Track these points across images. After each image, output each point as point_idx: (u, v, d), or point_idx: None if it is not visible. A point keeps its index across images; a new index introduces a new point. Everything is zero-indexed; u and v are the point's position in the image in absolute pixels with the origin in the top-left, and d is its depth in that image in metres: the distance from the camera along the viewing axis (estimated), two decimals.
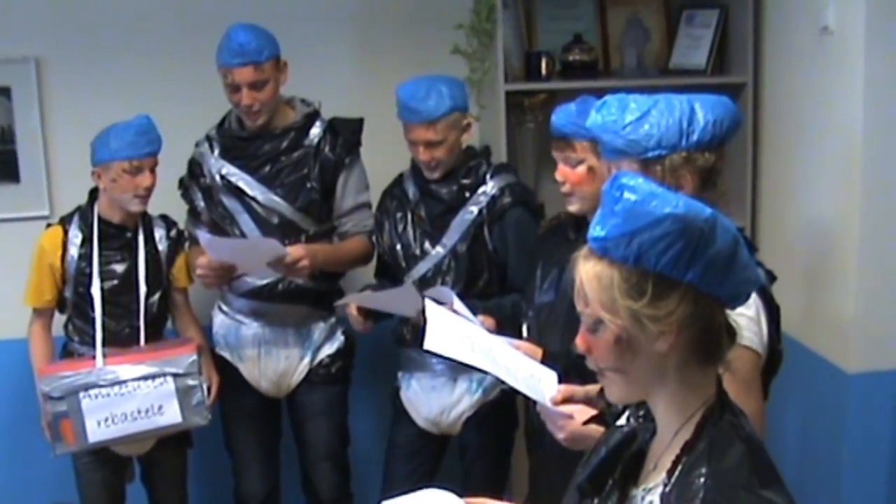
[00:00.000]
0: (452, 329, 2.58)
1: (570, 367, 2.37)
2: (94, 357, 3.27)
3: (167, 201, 3.48)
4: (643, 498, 1.61)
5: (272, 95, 3.34)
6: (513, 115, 3.83)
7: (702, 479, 1.49)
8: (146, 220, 3.41)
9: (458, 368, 3.14)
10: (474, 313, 2.76)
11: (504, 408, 3.38)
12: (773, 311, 2.28)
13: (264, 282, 3.43)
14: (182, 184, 3.55)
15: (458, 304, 2.72)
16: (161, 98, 3.67)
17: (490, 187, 3.24)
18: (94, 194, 3.36)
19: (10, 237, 3.74)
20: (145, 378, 3.25)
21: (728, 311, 1.60)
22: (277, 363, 3.52)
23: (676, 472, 1.54)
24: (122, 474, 3.47)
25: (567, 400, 2.29)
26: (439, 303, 2.70)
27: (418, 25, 3.90)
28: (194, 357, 3.31)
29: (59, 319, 3.43)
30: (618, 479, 1.67)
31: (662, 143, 2.20)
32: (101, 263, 3.30)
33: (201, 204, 3.51)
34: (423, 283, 3.19)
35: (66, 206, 3.51)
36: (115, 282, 3.31)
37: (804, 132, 3.42)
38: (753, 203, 3.78)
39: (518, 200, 3.23)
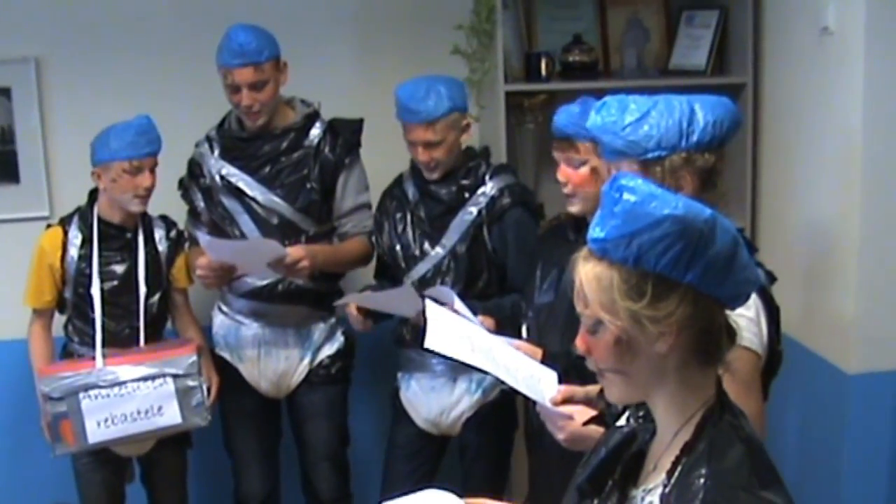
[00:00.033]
0: (453, 329, 2.58)
1: (569, 368, 2.37)
2: (93, 358, 3.27)
3: (167, 202, 3.48)
4: (643, 498, 1.61)
5: (272, 96, 3.34)
6: (512, 116, 3.83)
7: (701, 480, 1.49)
8: (146, 221, 3.41)
9: (457, 369, 3.14)
10: (474, 313, 2.77)
11: (504, 408, 3.38)
12: (772, 312, 2.28)
13: (264, 282, 3.43)
14: (182, 184, 3.55)
15: (458, 304, 2.72)
16: (161, 98, 3.67)
17: (489, 188, 3.24)
18: (93, 195, 3.36)
19: (10, 238, 3.74)
20: (145, 379, 3.25)
21: (728, 312, 1.60)
22: (277, 364, 3.52)
23: (676, 473, 1.54)
24: (121, 475, 3.47)
25: (567, 400, 2.29)
26: (440, 303, 2.70)
27: (418, 26, 3.90)
28: (194, 358, 3.31)
29: (59, 320, 3.43)
30: (617, 479, 1.67)
31: (662, 144, 2.20)
32: (100, 264, 3.30)
33: (201, 204, 3.51)
34: (423, 284, 3.19)
35: (65, 206, 3.51)
36: (115, 282, 3.31)
37: (804, 133, 3.42)
38: (753, 203, 3.78)
39: (517, 201, 3.23)
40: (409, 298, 3.02)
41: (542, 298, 2.85)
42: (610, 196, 1.54)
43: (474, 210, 3.23)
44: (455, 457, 3.47)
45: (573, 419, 2.25)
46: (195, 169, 3.50)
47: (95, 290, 3.28)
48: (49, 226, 3.40)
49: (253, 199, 3.41)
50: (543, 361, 2.51)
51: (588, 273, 1.56)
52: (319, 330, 3.54)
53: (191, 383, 3.30)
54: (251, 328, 3.51)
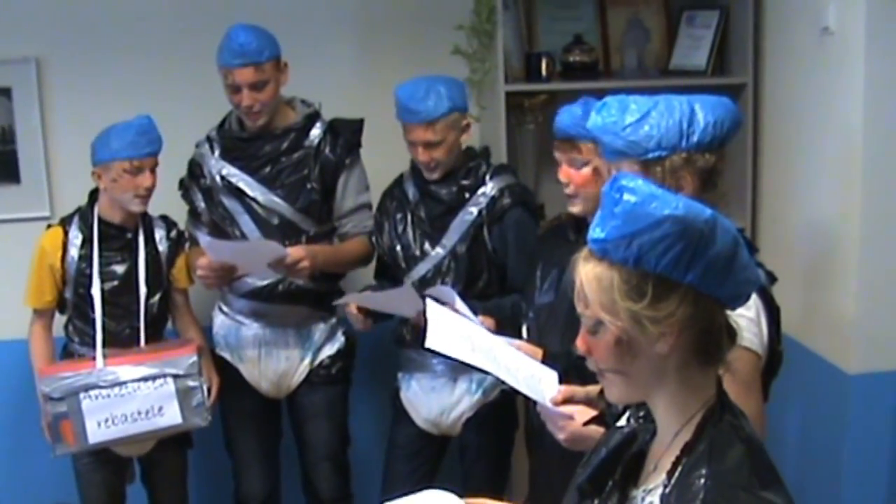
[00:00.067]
0: (453, 328, 2.58)
1: (570, 368, 2.37)
2: (94, 358, 3.27)
3: (167, 202, 3.48)
4: (643, 499, 1.61)
5: (272, 96, 3.34)
6: (513, 116, 3.83)
7: (702, 480, 1.49)
8: (146, 221, 3.41)
9: (457, 369, 3.14)
10: (475, 313, 2.77)
11: (504, 408, 3.38)
12: (773, 312, 2.28)
13: (264, 283, 3.43)
14: (182, 184, 3.55)
15: (459, 304, 2.72)
16: (161, 99, 3.67)
17: (490, 188, 3.24)
18: (94, 195, 3.36)
19: (11, 238, 3.74)
20: (145, 379, 3.25)
21: (728, 312, 1.60)
22: (278, 364, 3.52)
23: (676, 473, 1.54)
24: (122, 475, 3.47)
25: (567, 400, 2.29)
26: (441, 302, 2.70)
27: (419, 26, 3.90)
28: (194, 358, 3.31)
29: (60, 320, 3.43)
30: (618, 479, 1.67)
31: (662, 145, 2.20)
32: (101, 264, 3.30)
33: (201, 205, 3.51)
34: (423, 284, 3.19)
35: (66, 206, 3.51)
36: (116, 282, 3.31)
37: (804, 133, 3.42)
38: (754, 204, 3.78)
39: (517, 201, 3.23)
40: (409, 298, 3.02)
41: (543, 299, 2.86)
42: (610, 196, 1.54)
43: (474, 210, 3.23)
44: (455, 457, 3.48)
45: (573, 419, 2.25)
46: (195, 169, 3.51)
47: (96, 291, 3.28)
48: (49, 226, 3.40)
49: (253, 199, 3.41)
50: (544, 362, 2.51)
51: (588, 273, 1.56)
52: (320, 330, 3.54)
53: (191, 384, 3.30)
54: (251, 328, 3.51)
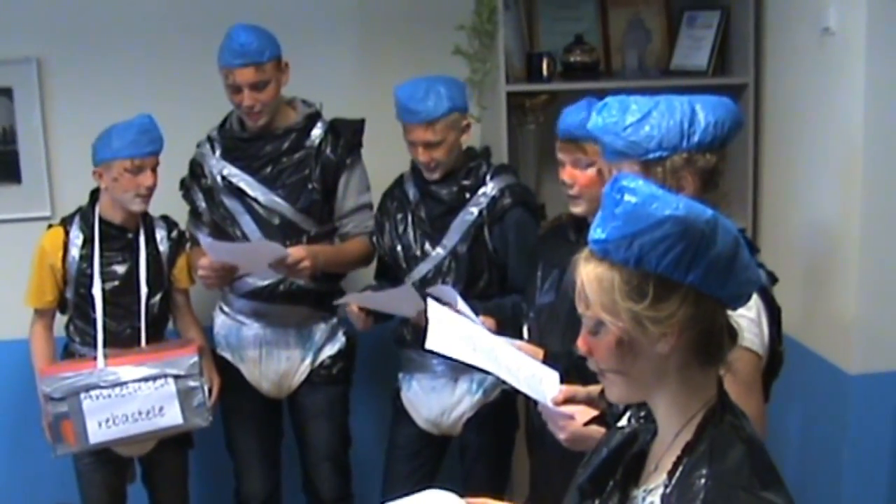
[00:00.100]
0: (454, 329, 2.58)
1: (571, 368, 2.37)
2: (95, 358, 3.27)
3: (168, 202, 3.48)
4: (644, 499, 1.61)
5: (273, 96, 3.34)
6: (514, 116, 3.83)
7: (702, 480, 1.50)
8: (147, 221, 3.41)
9: (458, 369, 3.14)
10: (476, 314, 2.77)
11: (504, 408, 3.38)
12: (774, 313, 2.28)
13: (265, 283, 3.43)
14: (183, 184, 3.55)
15: (461, 304, 2.72)
16: (162, 99, 3.67)
17: (490, 188, 3.24)
18: (95, 195, 3.36)
19: (12, 237, 3.74)
20: (146, 379, 3.25)
21: (729, 313, 1.60)
22: (279, 364, 3.52)
23: (677, 473, 1.54)
24: (123, 475, 3.47)
25: (569, 400, 2.29)
26: (442, 302, 2.70)
27: (419, 26, 3.90)
28: (195, 358, 3.31)
29: (60, 320, 3.43)
30: (619, 479, 1.67)
31: (663, 145, 2.20)
32: (102, 264, 3.30)
33: (202, 205, 3.51)
34: (424, 284, 3.19)
35: (67, 206, 3.51)
36: (116, 282, 3.31)
37: (805, 133, 3.42)
38: (755, 204, 3.78)
39: (518, 201, 3.23)
40: (409, 298, 3.02)
41: (543, 299, 2.86)
42: (611, 197, 1.54)
43: (475, 210, 3.23)
44: (456, 457, 3.48)
45: (574, 419, 2.25)
46: (196, 169, 3.51)
47: (97, 291, 3.29)
48: (50, 226, 3.40)
49: (254, 199, 3.41)
50: (545, 362, 2.51)
51: (589, 274, 1.56)
52: (321, 330, 3.54)
53: (192, 384, 3.30)
54: (252, 328, 3.51)
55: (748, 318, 2.13)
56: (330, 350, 3.56)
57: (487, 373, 2.55)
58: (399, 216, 3.35)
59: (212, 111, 3.49)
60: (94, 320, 3.29)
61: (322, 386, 3.55)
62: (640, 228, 1.50)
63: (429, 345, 2.49)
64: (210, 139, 3.49)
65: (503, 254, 3.24)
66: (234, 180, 3.42)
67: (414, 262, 3.28)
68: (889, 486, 3.19)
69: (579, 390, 2.28)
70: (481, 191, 3.24)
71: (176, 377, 3.28)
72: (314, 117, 3.46)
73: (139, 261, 3.34)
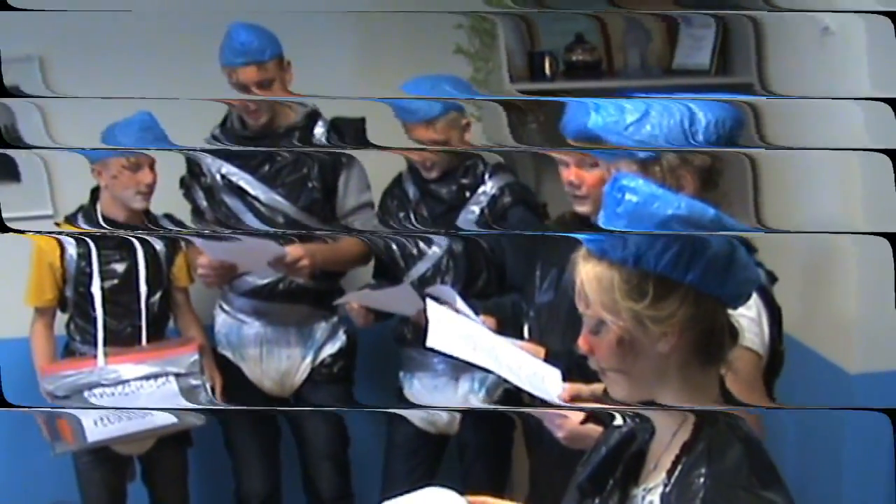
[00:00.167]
0: (454, 328, 2.58)
1: (572, 367, 2.37)
2: (95, 356, 3.27)
3: (170, 200, 3.48)
4: (643, 498, 1.61)
5: (281, 95, 3.34)
6: (514, 115, 3.82)
7: (702, 480, 1.50)
8: (151, 220, 3.40)
9: (459, 368, 3.14)
10: (476, 313, 2.77)
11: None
12: (774, 312, 2.28)
13: (265, 281, 3.43)
14: (183, 183, 3.55)
15: (460, 304, 2.72)
16: (163, 96, 3.66)
17: (489, 187, 3.24)
18: (95, 193, 3.36)
19: (13, 236, 3.73)
20: (147, 378, 3.25)
21: (729, 312, 1.60)
22: (279, 363, 3.52)
23: (676, 473, 1.54)
24: (122, 473, 3.47)
25: (574, 398, 2.29)
26: (441, 302, 2.70)
27: (421, 25, 3.89)
28: (195, 357, 3.32)
29: (61, 319, 3.43)
30: (618, 478, 1.67)
31: (670, 144, 2.20)
32: (100, 262, 3.30)
33: (203, 203, 3.50)
34: (423, 283, 3.19)
35: (68, 205, 3.51)
36: (116, 281, 3.31)
37: (805, 132, 3.41)
38: (755, 203, 3.77)
39: (518, 199, 3.23)
40: (407, 297, 3.03)
41: (543, 298, 2.85)
42: (612, 196, 1.54)
43: (476, 209, 3.23)
44: (455, 456, 3.47)
45: (569, 416, 2.25)
46: (195, 168, 3.50)
47: (96, 289, 3.29)
48: (57, 224, 3.40)
49: (255, 198, 3.41)
50: (546, 361, 2.51)
51: (588, 273, 1.56)
52: (321, 329, 3.54)
53: (194, 382, 3.30)
54: (253, 327, 3.51)
55: (748, 318, 2.13)
56: (331, 349, 3.56)
57: (489, 371, 2.55)
58: (401, 214, 3.35)
59: (212, 110, 3.49)
60: (95, 319, 3.29)
61: (324, 385, 3.55)
62: (645, 229, 1.50)
63: (429, 343, 2.49)
64: (214, 138, 3.49)
65: (500, 252, 3.24)
66: (233, 179, 3.42)
67: (412, 261, 3.28)
68: (889, 486, 3.19)
69: (583, 388, 2.28)
70: (480, 189, 3.24)
71: (177, 375, 3.28)
72: (313, 115, 3.46)
73: (137, 259, 3.34)
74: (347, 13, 3.90)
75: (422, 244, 3.28)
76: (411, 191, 3.33)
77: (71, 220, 3.35)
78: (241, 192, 3.41)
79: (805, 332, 3.31)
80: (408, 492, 1.96)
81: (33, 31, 3.74)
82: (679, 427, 1.58)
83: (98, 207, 3.33)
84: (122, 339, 3.32)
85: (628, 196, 1.52)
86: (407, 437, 3.42)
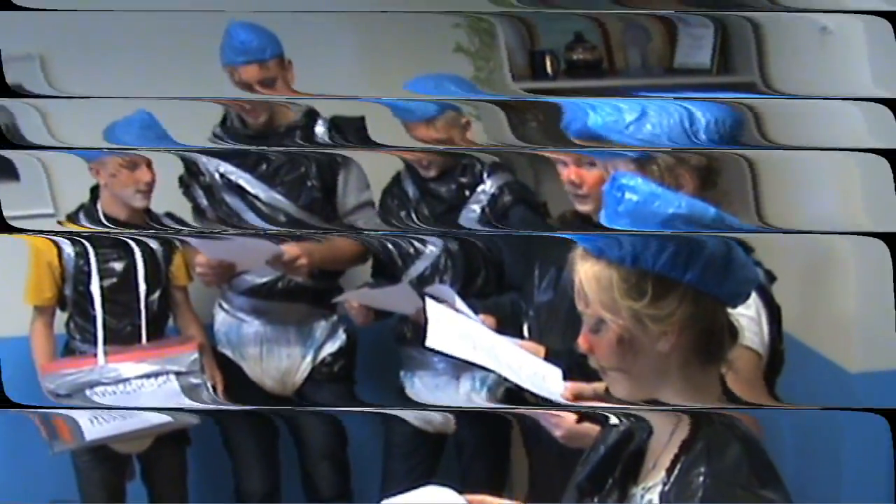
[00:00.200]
0: (454, 327, 2.58)
1: (572, 366, 2.37)
2: (95, 355, 3.27)
3: (171, 199, 3.48)
4: (642, 497, 1.61)
5: (284, 93, 3.34)
6: (514, 114, 3.81)
7: (700, 479, 1.50)
8: (153, 219, 3.40)
9: (459, 366, 3.14)
10: (475, 313, 2.76)
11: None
12: (773, 311, 2.28)
13: (263, 280, 3.43)
14: (182, 182, 3.54)
15: (459, 304, 2.72)
16: (163, 95, 3.66)
17: (489, 185, 3.24)
18: (95, 192, 3.36)
19: (12, 235, 3.74)
20: (148, 376, 3.25)
21: (729, 311, 1.60)
22: (280, 362, 3.52)
23: (675, 471, 1.54)
24: (121, 472, 3.47)
25: (576, 397, 2.29)
26: (439, 301, 2.70)
27: (421, 24, 3.88)
28: (195, 355, 3.31)
29: (61, 317, 3.43)
30: (618, 477, 1.67)
31: (670, 143, 2.20)
32: (99, 261, 3.30)
33: (203, 202, 3.50)
34: (421, 282, 3.19)
35: (68, 203, 3.50)
36: (115, 280, 3.31)
37: (805, 131, 3.41)
38: (755, 201, 3.77)
39: (519, 198, 3.23)
40: (407, 296, 3.02)
41: (542, 297, 2.85)
42: (612, 195, 1.54)
43: (477, 208, 3.23)
44: (453, 455, 3.47)
45: (567, 415, 2.25)
46: (192, 167, 3.50)
47: (95, 288, 3.29)
48: (60, 223, 3.41)
49: (255, 196, 3.41)
50: (546, 360, 2.51)
51: (587, 272, 1.56)
52: (321, 328, 3.54)
53: (194, 380, 3.30)
54: (252, 325, 3.51)
55: (748, 317, 2.13)
56: (331, 347, 3.56)
57: (489, 371, 2.55)
58: (402, 213, 3.34)
59: (212, 109, 3.48)
60: (94, 317, 3.29)
61: (325, 383, 3.55)
62: (647, 228, 1.50)
63: (429, 343, 2.49)
64: (216, 136, 3.48)
65: (497, 251, 3.23)
66: (232, 177, 3.41)
67: (410, 260, 3.28)
68: (889, 485, 3.19)
69: (585, 387, 2.28)
70: (480, 188, 3.24)
71: (177, 374, 3.28)
72: (313, 114, 3.46)
73: (136, 258, 3.34)
74: (347, 12, 3.90)
75: (419, 243, 3.27)
76: (411, 190, 3.33)
77: (73, 218, 3.35)
78: (240, 191, 3.41)
79: (805, 331, 3.31)
80: (406, 491, 1.96)
81: (34, 30, 3.74)
82: (677, 426, 1.58)
83: (99, 206, 3.33)
84: (121, 338, 3.32)
85: (628, 195, 1.52)
86: (405, 437, 3.42)
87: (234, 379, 3.50)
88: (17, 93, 3.73)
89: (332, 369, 3.55)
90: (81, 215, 3.34)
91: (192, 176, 3.50)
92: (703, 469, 1.50)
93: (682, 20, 3.91)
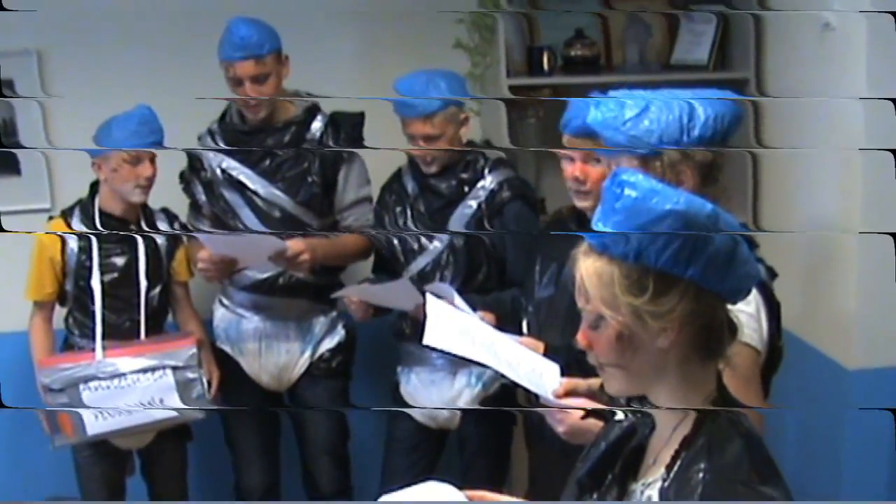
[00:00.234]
0: (453, 324, 2.58)
1: (571, 362, 2.37)
2: (93, 350, 3.27)
3: (169, 195, 3.48)
4: (642, 492, 1.61)
5: (275, 90, 3.33)
6: (514, 110, 3.82)
7: (701, 475, 1.50)
8: (147, 213, 3.41)
9: (457, 363, 3.15)
10: (474, 309, 2.77)
11: (504, 402, 3.38)
12: (773, 308, 2.28)
13: (265, 275, 3.43)
14: (183, 177, 3.55)
15: (458, 301, 2.72)
16: (162, 91, 3.67)
17: (489, 181, 3.24)
18: (95, 187, 3.36)
19: (12, 230, 3.73)
20: (144, 371, 3.26)
21: (728, 307, 1.60)
22: (278, 357, 3.52)
23: (675, 467, 1.55)
24: (122, 468, 3.47)
25: (570, 394, 2.29)
26: (439, 298, 2.70)
27: (420, 20, 3.89)
28: (193, 350, 3.32)
29: (60, 313, 3.43)
30: (617, 473, 1.67)
31: (664, 140, 2.20)
32: (101, 256, 3.30)
33: (202, 198, 3.51)
34: (422, 278, 3.19)
35: (67, 198, 3.51)
36: (115, 275, 3.32)
37: (805, 128, 3.41)
38: (755, 199, 3.77)
39: (517, 194, 3.23)
40: (406, 292, 3.03)
41: (542, 293, 2.86)
42: (611, 191, 1.54)
43: (473, 204, 3.24)
44: (454, 451, 3.48)
45: (570, 411, 2.26)
46: (195, 162, 3.50)
47: (95, 283, 3.29)
48: (51, 218, 3.40)
49: (254, 192, 3.41)
50: (545, 356, 2.51)
51: (588, 268, 1.56)
52: (320, 323, 3.55)
53: (190, 375, 3.30)
54: (252, 321, 3.52)
55: (747, 314, 2.13)
56: (329, 343, 3.56)
57: (487, 367, 2.55)
58: (398, 209, 3.35)
59: (211, 104, 3.49)
60: (94, 313, 3.29)
61: (322, 379, 3.56)
62: (642, 223, 1.50)
63: (427, 340, 2.49)
64: (210, 132, 3.49)
65: (501, 247, 3.24)
66: (233, 173, 3.42)
67: (412, 256, 3.29)
68: (888, 481, 3.19)
69: (580, 383, 2.29)
70: (480, 184, 3.24)
71: (174, 368, 3.28)
72: (313, 110, 3.46)
73: (138, 253, 3.34)
74: (347, 8, 3.90)
75: (422, 239, 3.27)
76: (410, 186, 3.33)
77: (67, 213, 3.35)
78: (240, 187, 3.42)
79: (804, 327, 3.32)
80: (407, 486, 1.97)
81: (31, 27, 3.74)
82: (679, 422, 1.58)
83: (96, 201, 3.33)
84: (120, 333, 3.32)
85: (627, 191, 1.52)
86: (407, 432, 3.43)
87: (231, 374, 3.51)
88: (14, 89, 3.75)
89: (331, 365, 3.56)
90: (77, 210, 3.34)
91: (193, 171, 3.51)
92: (703, 465, 1.50)
93: (684, 16, 3.92)
